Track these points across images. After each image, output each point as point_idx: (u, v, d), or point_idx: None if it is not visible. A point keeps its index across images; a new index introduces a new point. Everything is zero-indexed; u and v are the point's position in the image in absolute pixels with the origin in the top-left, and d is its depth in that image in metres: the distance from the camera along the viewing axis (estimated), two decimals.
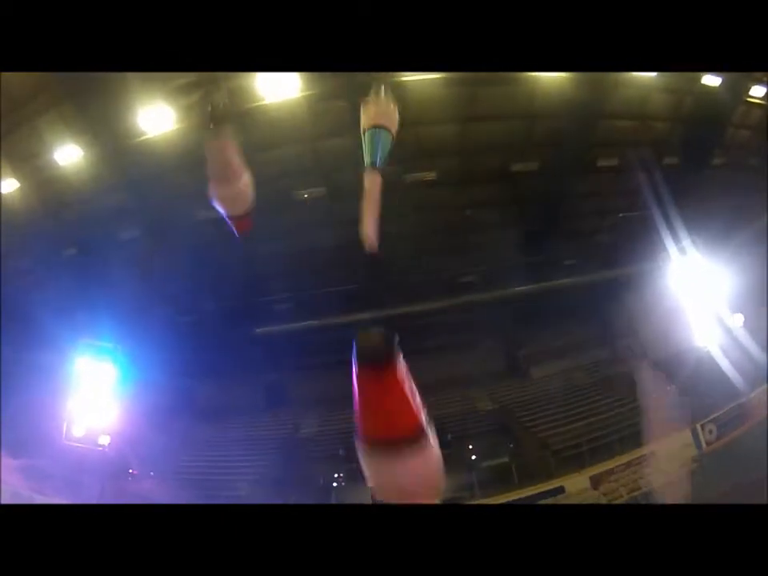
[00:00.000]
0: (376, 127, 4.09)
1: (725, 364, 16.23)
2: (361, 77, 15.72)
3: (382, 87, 3.84)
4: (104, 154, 16.91)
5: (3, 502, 11.51)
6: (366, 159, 3.76)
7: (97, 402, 16.75)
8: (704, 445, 17.20)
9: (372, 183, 3.59)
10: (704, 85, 17.18)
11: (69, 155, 16.66)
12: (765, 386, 16.17)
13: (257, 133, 17.06)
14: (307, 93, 16.12)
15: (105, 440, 16.49)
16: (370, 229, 3.16)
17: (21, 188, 17.10)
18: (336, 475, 22.10)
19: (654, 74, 16.59)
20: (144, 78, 15.15)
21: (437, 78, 15.95)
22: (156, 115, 16.10)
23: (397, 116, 4.49)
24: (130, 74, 14.95)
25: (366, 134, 4.08)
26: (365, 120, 4.13)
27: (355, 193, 16.14)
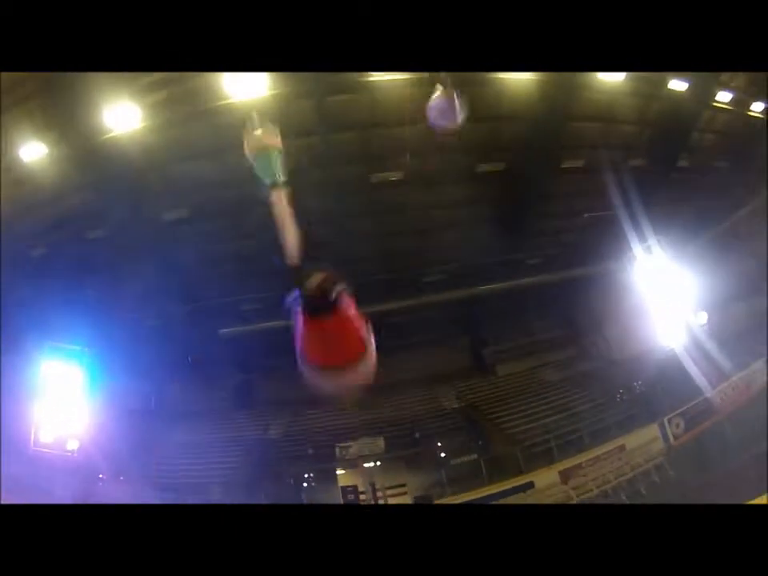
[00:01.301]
0: (264, 149, 4.18)
1: (688, 362, 16.70)
2: (322, 77, 15.82)
3: (255, 116, 3.98)
4: (70, 151, 16.44)
5: None
6: (267, 180, 3.82)
7: (65, 406, 16.43)
8: (672, 439, 17.65)
9: (279, 199, 3.64)
10: (671, 89, 17.59)
11: (34, 153, 16.16)
12: (729, 381, 16.69)
13: (225, 131, 16.90)
14: (275, 91, 15.93)
15: (73, 445, 16.19)
16: (289, 244, 3.22)
17: None
18: (306, 475, 22.06)
19: (621, 77, 16.91)
20: (111, 74, 14.84)
21: (404, 79, 15.94)
22: (123, 113, 15.73)
23: (279, 135, 4.67)
24: (97, 72, 14.66)
25: (257, 158, 4.15)
26: (251, 146, 4.22)
27: (324, 190, 15.95)
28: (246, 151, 4.40)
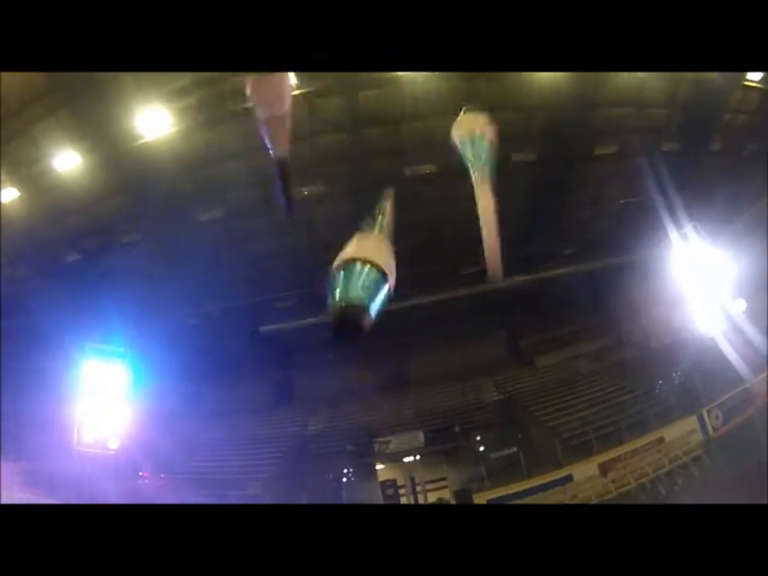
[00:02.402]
0: (473, 135, 4.45)
1: (728, 350, 16.25)
2: (352, 74, 15.83)
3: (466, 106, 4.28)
4: (103, 158, 16.92)
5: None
6: (475, 163, 3.98)
7: (106, 405, 16.90)
8: (711, 430, 17.21)
9: (482, 181, 3.79)
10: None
11: (67, 161, 16.66)
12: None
13: (254, 133, 17.09)
14: (304, 89, 16.05)
15: (115, 444, 16.65)
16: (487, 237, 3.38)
17: (21, 196, 17.15)
18: (345, 470, 22.23)
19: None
20: (140, 81, 15.18)
21: (441, 74, 15.91)
22: (153, 118, 16.10)
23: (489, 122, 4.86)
24: (126, 78, 15.01)
25: (466, 143, 4.39)
26: (462, 132, 4.45)
27: (352, 190, 16.03)
28: (455, 136, 4.62)
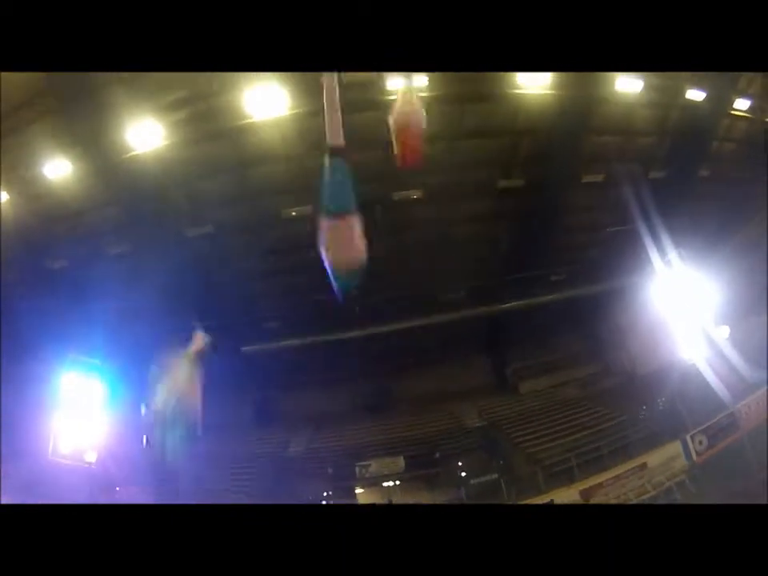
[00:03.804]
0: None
1: (711, 376, 16.37)
2: (348, 94, 15.93)
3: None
4: (94, 168, 16.84)
5: None
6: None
7: (84, 418, 16.62)
8: (694, 456, 17.19)
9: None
10: (688, 99, 17.44)
11: (58, 169, 16.57)
12: (752, 396, 16.29)
13: (245, 150, 17.17)
14: (295, 110, 16.13)
15: (92, 456, 16.35)
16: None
17: (9, 200, 16.97)
18: (324, 493, 21.93)
19: (638, 88, 16.83)
20: (132, 92, 15.19)
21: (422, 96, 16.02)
22: (145, 131, 16.09)
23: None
24: (118, 89, 15.02)
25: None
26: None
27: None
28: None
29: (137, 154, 16.59)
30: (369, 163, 18.19)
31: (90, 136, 16.10)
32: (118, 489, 17.83)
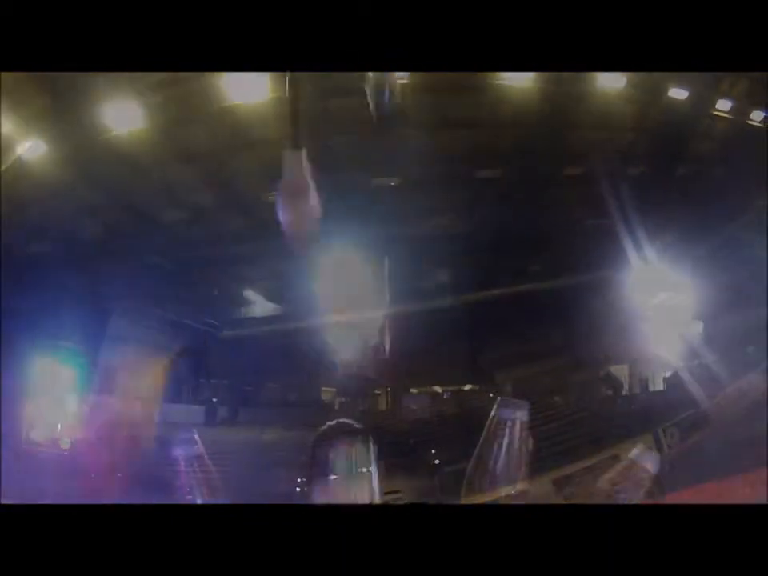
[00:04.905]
0: None
1: (684, 371, 16.66)
2: (328, 80, 15.86)
3: None
4: (68, 150, 16.51)
5: None
6: None
7: (58, 404, 16.45)
8: (666, 448, 17.50)
9: None
10: (670, 98, 17.61)
11: (32, 150, 16.22)
12: (725, 392, 16.61)
13: (227, 134, 16.98)
14: (278, 95, 15.96)
15: (66, 444, 16.20)
16: None
17: None
18: (299, 479, 21.91)
19: (620, 84, 16.96)
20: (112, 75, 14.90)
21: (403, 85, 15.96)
22: (123, 112, 15.81)
23: None
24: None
25: None
26: None
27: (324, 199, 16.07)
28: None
29: (114, 136, 16.32)
30: (348, 148, 18.21)
31: (65, 117, 15.78)
32: (92, 476, 17.71)
